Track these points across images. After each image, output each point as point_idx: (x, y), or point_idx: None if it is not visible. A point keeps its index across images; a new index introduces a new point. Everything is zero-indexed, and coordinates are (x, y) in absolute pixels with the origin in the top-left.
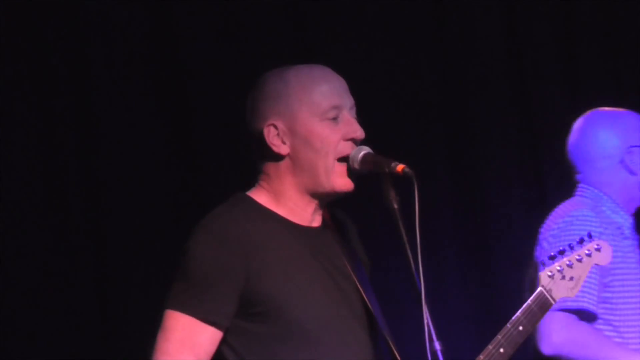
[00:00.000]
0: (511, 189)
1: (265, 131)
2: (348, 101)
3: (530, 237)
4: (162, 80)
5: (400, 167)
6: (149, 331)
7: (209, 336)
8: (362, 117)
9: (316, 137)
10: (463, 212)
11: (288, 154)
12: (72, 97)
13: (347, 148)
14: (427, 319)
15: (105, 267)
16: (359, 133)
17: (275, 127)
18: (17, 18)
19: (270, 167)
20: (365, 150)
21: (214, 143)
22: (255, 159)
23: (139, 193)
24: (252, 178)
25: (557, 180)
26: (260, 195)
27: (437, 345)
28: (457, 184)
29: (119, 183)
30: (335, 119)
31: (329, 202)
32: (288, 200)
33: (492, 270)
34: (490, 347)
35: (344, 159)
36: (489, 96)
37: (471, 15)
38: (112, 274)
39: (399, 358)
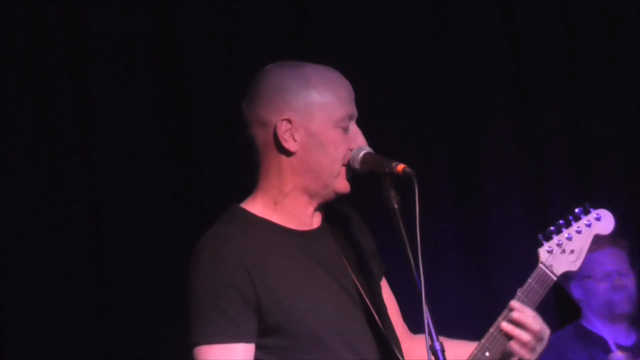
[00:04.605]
0: (511, 189)
1: (279, 125)
2: (356, 111)
3: (529, 237)
4: (162, 80)
5: (400, 167)
6: (149, 333)
7: (243, 355)
8: (362, 117)
9: (330, 143)
10: (463, 212)
11: (296, 152)
12: (72, 99)
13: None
14: (427, 319)
15: (105, 269)
16: (364, 145)
17: (290, 122)
18: (17, 18)
19: (272, 162)
20: (365, 150)
21: (215, 143)
22: (254, 150)
23: (139, 194)
24: (253, 179)
25: (557, 180)
26: (255, 205)
27: (437, 345)
28: (457, 184)
29: (119, 184)
30: (346, 128)
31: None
32: (287, 201)
33: (492, 270)
34: (491, 330)
35: (345, 165)
36: (488, 96)
37: (471, 15)
38: (112, 276)
39: (399, 357)
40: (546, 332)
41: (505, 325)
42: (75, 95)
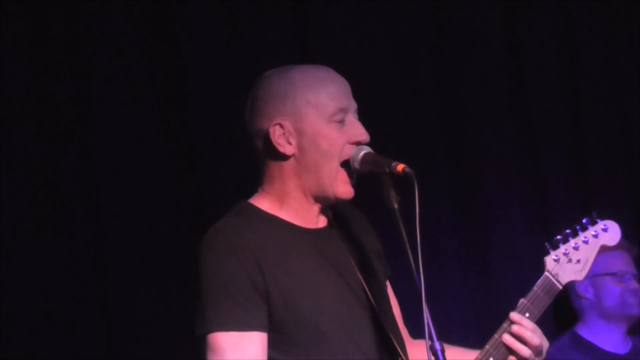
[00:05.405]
0: (511, 189)
1: (271, 131)
2: (353, 104)
3: (530, 237)
4: (162, 80)
5: (400, 166)
6: (150, 333)
7: (258, 344)
8: (362, 117)
9: (324, 139)
10: (463, 212)
11: (293, 155)
12: (72, 99)
13: (351, 152)
14: (427, 319)
15: (106, 270)
16: (365, 137)
17: (282, 126)
18: (18, 18)
19: (274, 168)
20: (365, 150)
21: (215, 144)
22: (257, 160)
23: (140, 193)
24: (254, 180)
25: (556, 180)
26: (262, 202)
27: (437, 345)
28: (457, 184)
29: (119, 184)
30: (341, 121)
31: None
32: (292, 202)
33: (492, 270)
34: (496, 336)
35: (346, 163)
36: (488, 96)
37: (471, 16)
38: (112, 276)
39: (403, 357)
40: (545, 345)
41: (507, 338)
42: (76, 95)
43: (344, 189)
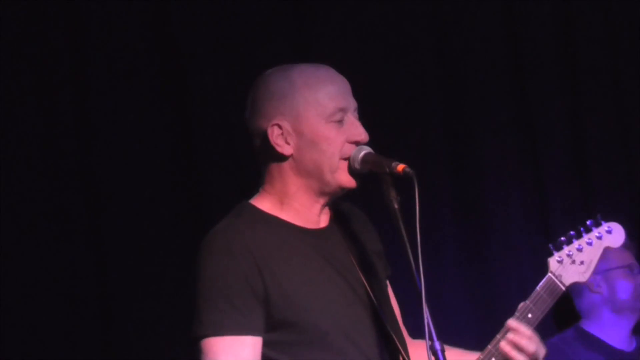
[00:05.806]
0: (511, 189)
1: (270, 131)
2: (352, 103)
3: (530, 237)
4: (162, 80)
5: (400, 167)
6: (149, 333)
7: (251, 348)
8: (363, 117)
9: (322, 139)
10: (463, 212)
11: (292, 155)
12: (72, 99)
13: (351, 150)
14: (427, 319)
15: (106, 271)
16: (364, 136)
17: (280, 127)
18: (17, 18)
19: (273, 167)
20: (365, 150)
21: (216, 144)
22: (257, 159)
23: (139, 193)
24: (254, 180)
25: (557, 180)
26: (263, 202)
27: (437, 345)
28: (457, 184)
29: (119, 185)
30: (340, 121)
31: (334, 201)
32: (293, 201)
33: (492, 270)
34: (498, 336)
35: (346, 158)
36: (488, 96)
37: (471, 15)
38: (112, 276)
39: (405, 356)
40: (541, 352)
41: (504, 346)
42: (76, 95)
43: (346, 178)
